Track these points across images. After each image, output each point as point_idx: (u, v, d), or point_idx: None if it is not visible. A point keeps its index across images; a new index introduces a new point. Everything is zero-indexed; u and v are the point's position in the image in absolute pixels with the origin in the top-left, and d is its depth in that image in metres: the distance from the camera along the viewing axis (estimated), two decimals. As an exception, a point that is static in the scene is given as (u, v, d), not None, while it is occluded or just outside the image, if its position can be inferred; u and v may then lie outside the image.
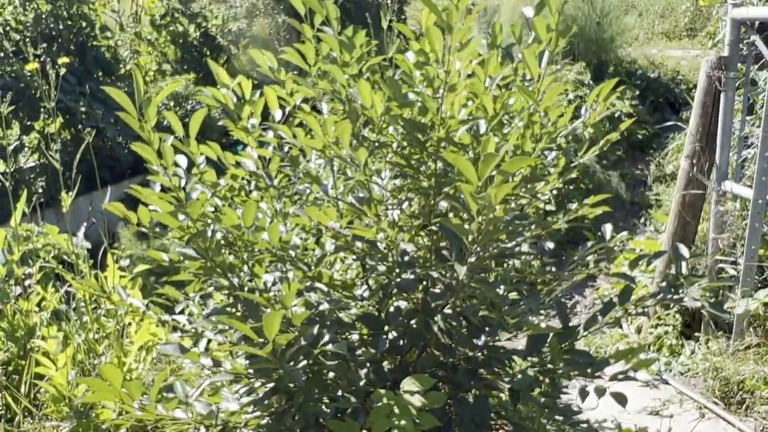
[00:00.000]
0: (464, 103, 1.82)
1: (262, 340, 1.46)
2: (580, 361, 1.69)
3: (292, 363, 1.55)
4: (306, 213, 1.69)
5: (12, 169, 5.66)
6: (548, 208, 4.72)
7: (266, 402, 1.76)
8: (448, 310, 2.01)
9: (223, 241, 1.79)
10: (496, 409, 2.09)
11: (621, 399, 1.60)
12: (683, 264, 1.62)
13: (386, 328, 1.95)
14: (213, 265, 1.76)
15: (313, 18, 1.83)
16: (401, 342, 1.99)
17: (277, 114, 2.04)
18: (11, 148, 5.33)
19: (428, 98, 1.60)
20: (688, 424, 2.64)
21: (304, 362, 1.56)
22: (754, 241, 2.65)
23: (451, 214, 1.75)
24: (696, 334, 3.13)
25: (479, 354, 2.00)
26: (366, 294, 2.04)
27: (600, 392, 1.63)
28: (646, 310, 3.32)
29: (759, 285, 2.80)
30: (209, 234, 1.70)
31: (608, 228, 2.25)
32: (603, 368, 1.69)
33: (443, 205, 1.97)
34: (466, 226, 1.39)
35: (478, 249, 1.74)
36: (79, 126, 5.32)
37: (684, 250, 1.64)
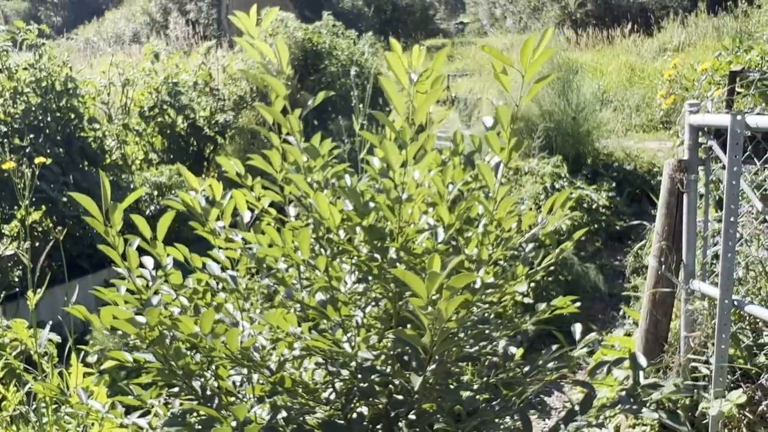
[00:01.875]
0: (425, 210, 1.87)
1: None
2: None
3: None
4: (266, 319, 1.70)
5: (-9, 257, 5.64)
6: (526, 300, 4.73)
7: None
8: (412, 416, 1.98)
9: (183, 346, 1.78)
10: None
11: None
12: (641, 373, 1.62)
13: (349, 434, 1.92)
14: (172, 370, 1.74)
15: (280, 127, 1.90)
16: (364, 450, 1.95)
17: (246, 215, 2.08)
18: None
19: (386, 207, 1.64)
20: None
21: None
22: (723, 342, 2.65)
23: (409, 325, 1.76)
24: (674, 434, 3.07)
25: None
26: (332, 397, 2.02)
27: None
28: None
29: (732, 385, 2.78)
30: (168, 340, 1.69)
31: (578, 328, 2.26)
32: (564, 481, 1.65)
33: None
34: (423, 340, 1.40)
35: (437, 357, 1.74)
36: (62, 215, 5.35)
37: (641, 359, 1.65)
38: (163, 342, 1.66)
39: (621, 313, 5.19)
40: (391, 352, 1.82)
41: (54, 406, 2.48)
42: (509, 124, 1.61)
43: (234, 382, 2.01)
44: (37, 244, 5.63)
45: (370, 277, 1.92)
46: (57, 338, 3.23)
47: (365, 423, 2.05)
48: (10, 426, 2.52)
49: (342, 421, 1.94)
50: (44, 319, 2.94)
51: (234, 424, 1.73)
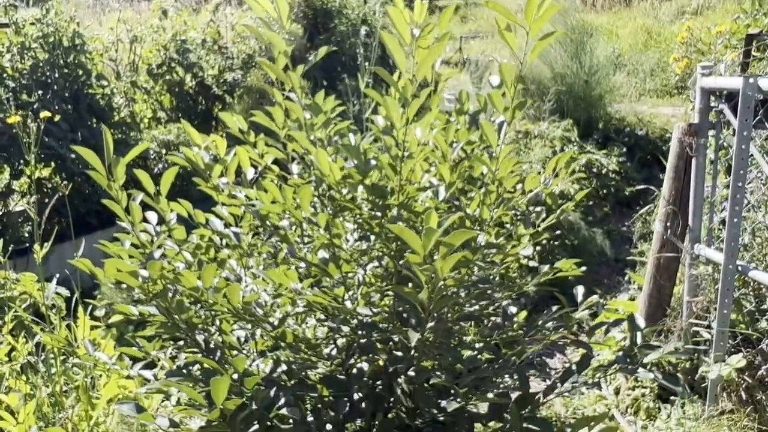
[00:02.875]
0: (428, 169, 1.86)
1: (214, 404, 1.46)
2: (538, 430, 1.68)
3: (246, 427, 1.55)
4: (267, 275, 1.71)
5: (1, 213, 5.70)
6: (532, 264, 4.73)
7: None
8: (411, 373, 2.01)
9: (186, 300, 1.80)
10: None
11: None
12: (639, 334, 1.63)
13: (351, 389, 1.95)
14: (174, 323, 1.77)
15: (283, 83, 1.88)
16: (364, 405, 1.98)
17: (249, 172, 2.08)
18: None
19: (387, 165, 1.63)
20: (661, 492, 2.61)
21: (256, 427, 1.55)
22: (726, 307, 2.66)
23: (410, 284, 1.77)
24: (672, 397, 3.10)
25: (443, 417, 1.99)
26: (334, 353, 2.04)
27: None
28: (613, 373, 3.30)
29: (732, 350, 2.79)
30: (171, 294, 1.71)
31: (580, 290, 2.27)
32: (559, 438, 1.67)
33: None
34: (420, 296, 1.41)
35: (435, 314, 1.75)
36: (70, 172, 5.37)
37: (639, 320, 1.65)
38: (166, 295, 1.68)
39: (626, 278, 5.19)
40: (392, 310, 1.83)
41: (62, 358, 2.53)
42: (513, 82, 1.59)
43: (238, 338, 2.03)
44: (46, 200, 5.68)
45: (372, 236, 1.92)
46: (66, 292, 3.28)
47: (365, 379, 2.08)
48: (20, 376, 2.58)
49: (342, 377, 1.97)
50: (53, 275, 2.97)
51: (235, 376, 1.76)
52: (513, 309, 1.99)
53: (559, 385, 1.76)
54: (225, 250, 2.12)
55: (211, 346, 1.94)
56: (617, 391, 3.43)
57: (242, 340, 2.06)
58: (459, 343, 2.13)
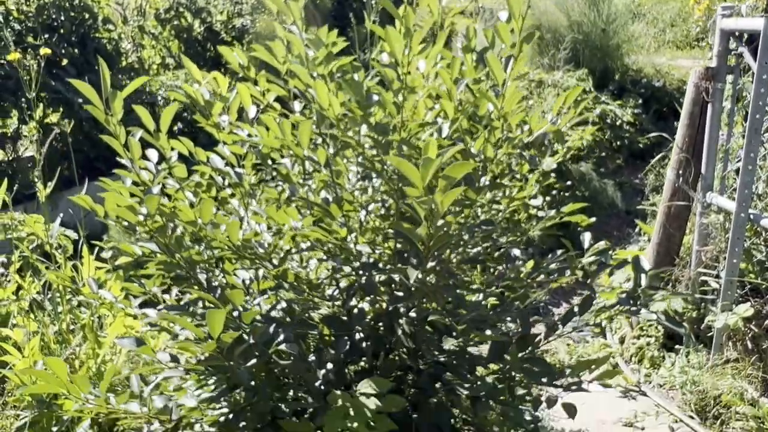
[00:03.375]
0: (431, 107, 1.81)
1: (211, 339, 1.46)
2: (538, 370, 1.67)
3: (245, 362, 1.55)
4: (266, 212, 1.69)
5: (10, 158, 5.70)
6: (541, 214, 4.69)
7: (222, 399, 1.76)
8: (413, 314, 2.00)
9: (187, 238, 1.79)
10: (463, 413, 2.08)
11: (570, 410, 1.58)
12: (643, 276, 1.60)
13: (352, 330, 1.95)
14: (174, 261, 1.76)
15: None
16: (365, 345, 1.98)
17: (251, 110, 2.04)
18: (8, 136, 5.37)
19: (389, 101, 1.59)
20: (661, 437, 2.62)
21: (254, 361, 1.55)
22: (736, 256, 2.62)
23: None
24: (677, 346, 3.10)
25: (444, 358, 1.99)
26: (336, 294, 2.04)
27: (551, 402, 1.61)
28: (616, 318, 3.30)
29: (740, 299, 2.76)
30: (170, 230, 1.70)
31: (587, 237, 2.24)
32: (558, 379, 1.67)
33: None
34: (418, 231, 1.38)
35: (436, 253, 1.73)
36: (78, 117, 5.35)
37: (644, 262, 1.62)
38: (165, 231, 1.67)
39: (636, 230, 5.15)
40: (394, 251, 1.81)
41: (68, 297, 2.55)
42: (521, 14, 1.53)
43: (243, 280, 2.03)
44: (55, 145, 5.66)
45: (374, 176, 1.89)
46: (73, 235, 3.30)
47: (368, 320, 2.08)
48: (28, 314, 2.61)
49: (344, 317, 1.97)
50: (64, 219, 2.98)
51: (236, 314, 1.76)
52: (517, 252, 1.96)
53: (560, 326, 1.74)
54: (228, 190, 2.10)
55: (214, 284, 1.94)
56: (622, 340, 3.43)
57: (247, 282, 2.05)
58: (463, 286, 2.12)
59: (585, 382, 1.65)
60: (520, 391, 1.63)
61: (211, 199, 1.64)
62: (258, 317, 1.76)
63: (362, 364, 2.17)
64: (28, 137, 5.49)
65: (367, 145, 1.70)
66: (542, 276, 1.96)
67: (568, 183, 5.02)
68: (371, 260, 1.84)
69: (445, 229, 1.44)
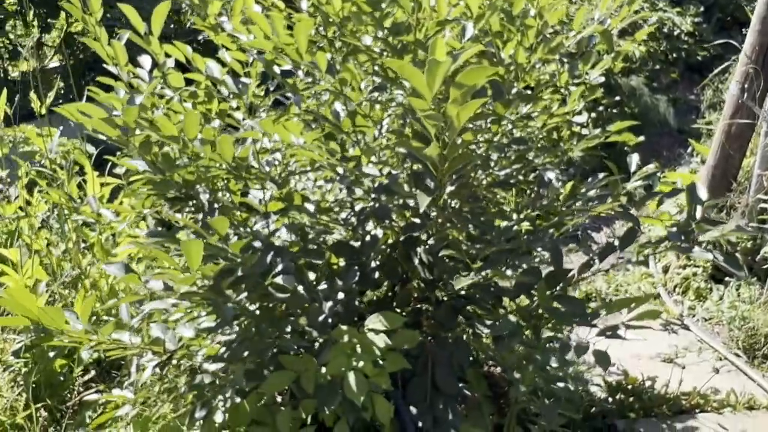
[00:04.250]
0: (455, 3, 1.53)
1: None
2: (567, 311, 1.47)
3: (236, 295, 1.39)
4: (262, 126, 1.48)
5: (34, 68, 5.56)
6: (584, 132, 4.37)
7: (220, 332, 1.62)
8: (431, 242, 1.81)
9: (185, 155, 1.59)
10: (486, 348, 1.91)
11: (603, 360, 1.38)
12: (698, 207, 1.35)
13: (363, 258, 1.78)
14: (164, 180, 1.58)
15: None
16: (377, 274, 1.81)
17: (255, 7, 1.79)
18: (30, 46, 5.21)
19: (403, -6, 1.32)
20: (703, 375, 2.43)
21: (245, 295, 1.39)
22: (804, 181, 2.32)
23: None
24: (727, 278, 2.85)
25: (465, 291, 1.81)
26: (352, 218, 1.85)
27: (580, 350, 1.42)
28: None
29: (804, 230, 2.49)
30: (156, 146, 1.51)
31: (634, 158, 1.97)
32: (590, 322, 1.46)
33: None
34: (427, 152, 1.16)
35: (455, 176, 1.51)
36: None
37: (701, 191, 1.37)
38: (148, 147, 1.48)
39: (689, 150, 4.78)
40: (410, 173, 1.60)
41: (71, 216, 2.43)
42: None
43: (260, 200, 1.85)
44: (79, 55, 5.50)
45: (388, 86, 1.65)
46: (92, 150, 3.15)
47: (383, 247, 1.89)
48: (38, 232, 2.51)
49: (356, 243, 1.79)
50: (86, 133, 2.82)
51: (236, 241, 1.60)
52: (551, 174, 1.72)
53: (596, 262, 1.53)
54: (234, 103, 1.89)
55: (216, 207, 1.77)
56: (666, 269, 3.20)
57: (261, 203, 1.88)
58: (495, 212, 1.90)
59: (621, 326, 1.44)
60: (547, 333, 1.43)
61: (195, 111, 1.43)
62: (258, 244, 1.59)
63: (377, 294, 2.01)
64: (51, 47, 5.33)
65: (377, 49, 1.45)
66: (580, 203, 1.73)
67: (617, 98, 4.64)
68: (383, 182, 1.63)
69: (463, 149, 1.22)
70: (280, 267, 1.48)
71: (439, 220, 1.69)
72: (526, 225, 1.94)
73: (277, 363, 1.59)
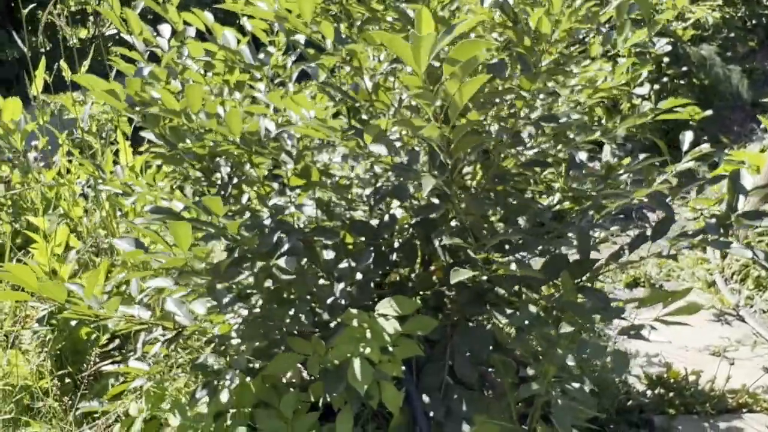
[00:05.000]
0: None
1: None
2: (590, 305, 1.36)
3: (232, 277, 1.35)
4: (269, 98, 1.41)
5: (93, 35, 5.67)
6: (646, 105, 4.11)
7: (230, 309, 1.59)
8: (453, 223, 1.71)
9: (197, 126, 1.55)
10: (506, 338, 1.81)
11: (620, 361, 1.27)
12: (741, 198, 1.20)
13: (379, 239, 1.70)
14: (175, 154, 1.54)
15: None
16: (395, 256, 1.73)
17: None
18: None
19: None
20: (755, 372, 2.25)
21: (242, 276, 1.34)
22: None
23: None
24: (792, 267, 2.63)
25: (487, 276, 1.71)
26: (371, 198, 1.78)
27: (599, 351, 1.30)
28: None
29: None
30: (162, 119, 1.47)
31: (687, 137, 1.81)
32: (614, 317, 1.35)
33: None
34: (424, 132, 1.06)
35: (472, 157, 1.41)
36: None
37: (746, 179, 1.22)
38: (155, 120, 1.44)
39: (762, 126, 4.44)
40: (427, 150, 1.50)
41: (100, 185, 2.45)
42: None
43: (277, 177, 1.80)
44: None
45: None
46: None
47: (406, 226, 1.81)
48: (76, 200, 2.55)
49: (375, 222, 1.71)
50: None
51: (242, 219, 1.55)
52: (583, 155, 1.59)
53: (626, 251, 1.40)
54: (258, 74, 1.83)
55: (235, 181, 1.73)
56: (724, 255, 2.98)
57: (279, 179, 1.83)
58: (523, 194, 1.78)
59: (647, 327, 1.32)
60: (566, 329, 1.33)
61: (197, 85, 1.38)
62: (267, 221, 1.54)
63: (400, 275, 1.93)
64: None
65: (390, 18, 1.35)
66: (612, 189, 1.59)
67: (683, 69, 4.34)
68: (401, 162, 1.54)
69: (471, 127, 1.11)
70: (285, 247, 1.42)
71: (459, 203, 1.59)
72: (568, 204, 1.81)
73: (287, 344, 1.55)
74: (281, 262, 1.34)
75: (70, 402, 1.71)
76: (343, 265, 1.58)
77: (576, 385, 1.26)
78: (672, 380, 2.18)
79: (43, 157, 2.59)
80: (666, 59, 4.30)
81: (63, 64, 2.26)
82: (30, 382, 1.83)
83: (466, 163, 1.50)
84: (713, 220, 1.25)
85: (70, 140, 2.50)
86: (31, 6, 2.63)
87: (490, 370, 1.87)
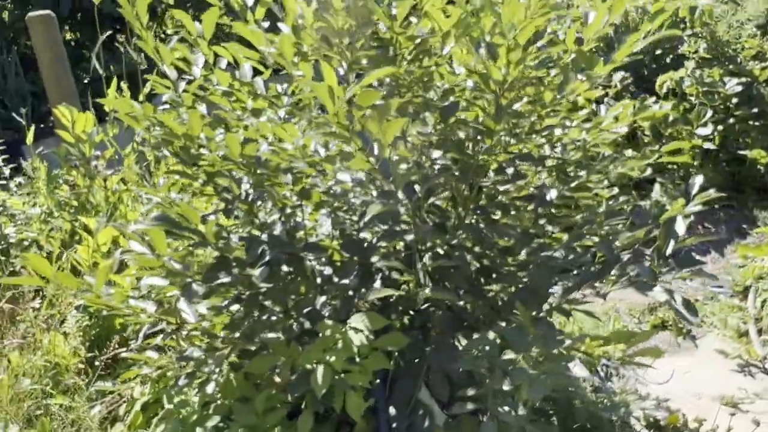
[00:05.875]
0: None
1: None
2: (529, 339, 1.42)
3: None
4: (258, 126, 1.60)
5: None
6: (708, 146, 4.01)
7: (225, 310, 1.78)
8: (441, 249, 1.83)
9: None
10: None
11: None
12: (671, 243, 1.25)
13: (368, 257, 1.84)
14: (187, 171, 1.76)
15: None
16: (379, 278, 1.86)
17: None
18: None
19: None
20: (763, 427, 2.19)
21: (222, 281, 1.52)
22: None
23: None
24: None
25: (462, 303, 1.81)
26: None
27: (536, 392, 1.35)
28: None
29: None
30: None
31: (698, 180, 1.81)
32: (552, 348, 1.40)
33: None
34: (350, 164, 1.19)
35: (444, 191, 1.53)
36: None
37: (679, 226, 1.26)
38: (167, 141, 1.66)
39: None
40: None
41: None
42: None
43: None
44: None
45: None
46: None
47: (391, 248, 1.93)
48: (136, 204, 2.85)
49: (363, 237, 1.85)
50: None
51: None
52: (553, 193, 1.65)
53: (574, 290, 1.46)
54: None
55: (252, 197, 1.92)
56: (764, 303, 2.88)
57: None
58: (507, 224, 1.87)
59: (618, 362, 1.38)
60: (509, 356, 1.41)
61: (196, 110, 1.58)
62: (256, 232, 1.73)
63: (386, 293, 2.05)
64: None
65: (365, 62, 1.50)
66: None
67: (754, 110, 4.18)
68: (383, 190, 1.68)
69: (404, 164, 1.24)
70: (266, 258, 1.59)
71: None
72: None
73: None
74: (256, 272, 1.51)
75: (88, 381, 1.96)
76: (325, 279, 1.74)
77: (506, 408, 1.34)
78: (671, 425, 2.16)
79: (111, 166, 2.91)
80: (735, 99, 4.19)
81: (123, 84, 2.56)
82: (66, 361, 2.10)
83: (439, 193, 1.62)
84: (646, 263, 1.30)
85: (133, 152, 2.80)
86: (109, 33, 2.99)
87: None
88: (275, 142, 1.76)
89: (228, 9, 1.98)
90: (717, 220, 3.96)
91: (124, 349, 1.97)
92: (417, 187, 1.56)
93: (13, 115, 3.46)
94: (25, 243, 2.71)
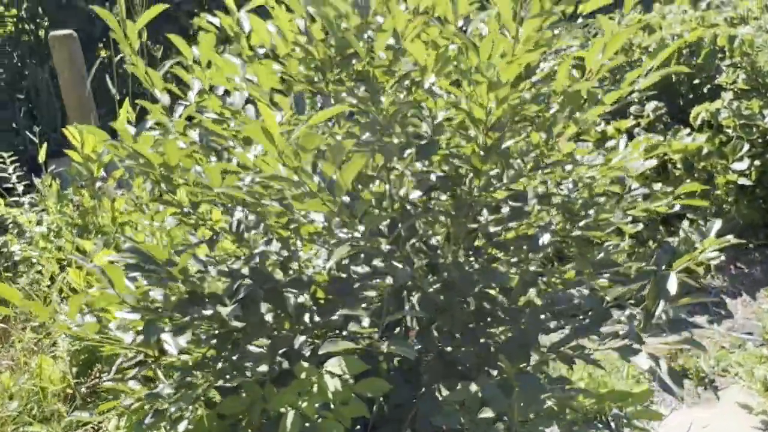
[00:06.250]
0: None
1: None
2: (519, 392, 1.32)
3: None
4: (239, 157, 1.54)
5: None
6: (743, 182, 3.81)
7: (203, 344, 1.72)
8: (430, 289, 1.73)
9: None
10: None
11: None
12: (661, 303, 1.13)
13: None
14: (167, 198, 1.71)
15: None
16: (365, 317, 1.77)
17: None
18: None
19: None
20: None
21: (191, 317, 1.46)
22: None
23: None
24: None
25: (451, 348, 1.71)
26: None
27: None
28: None
29: None
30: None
31: (716, 225, 1.69)
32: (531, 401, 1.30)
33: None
34: (307, 207, 1.12)
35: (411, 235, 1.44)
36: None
37: (671, 283, 1.15)
38: (150, 170, 1.61)
39: None
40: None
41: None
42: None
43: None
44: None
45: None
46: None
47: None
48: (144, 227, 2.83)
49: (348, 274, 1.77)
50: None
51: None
52: (546, 237, 1.55)
53: (568, 340, 1.35)
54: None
55: (242, 228, 1.87)
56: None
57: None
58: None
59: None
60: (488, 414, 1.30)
61: (173, 140, 1.54)
62: (238, 266, 1.66)
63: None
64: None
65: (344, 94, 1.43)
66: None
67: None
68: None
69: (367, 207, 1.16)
70: (240, 295, 1.53)
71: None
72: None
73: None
74: (226, 309, 1.45)
75: (71, 409, 1.92)
76: (307, 318, 1.66)
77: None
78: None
79: (121, 186, 2.90)
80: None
81: (126, 103, 2.55)
82: (53, 386, 2.06)
83: (426, 232, 1.54)
84: (634, 324, 1.18)
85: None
86: (120, 56, 3.00)
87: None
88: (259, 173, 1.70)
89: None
90: (751, 261, 3.74)
91: (108, 377, 1.92)
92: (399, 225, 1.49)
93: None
94: (33, 261, 2.72)
